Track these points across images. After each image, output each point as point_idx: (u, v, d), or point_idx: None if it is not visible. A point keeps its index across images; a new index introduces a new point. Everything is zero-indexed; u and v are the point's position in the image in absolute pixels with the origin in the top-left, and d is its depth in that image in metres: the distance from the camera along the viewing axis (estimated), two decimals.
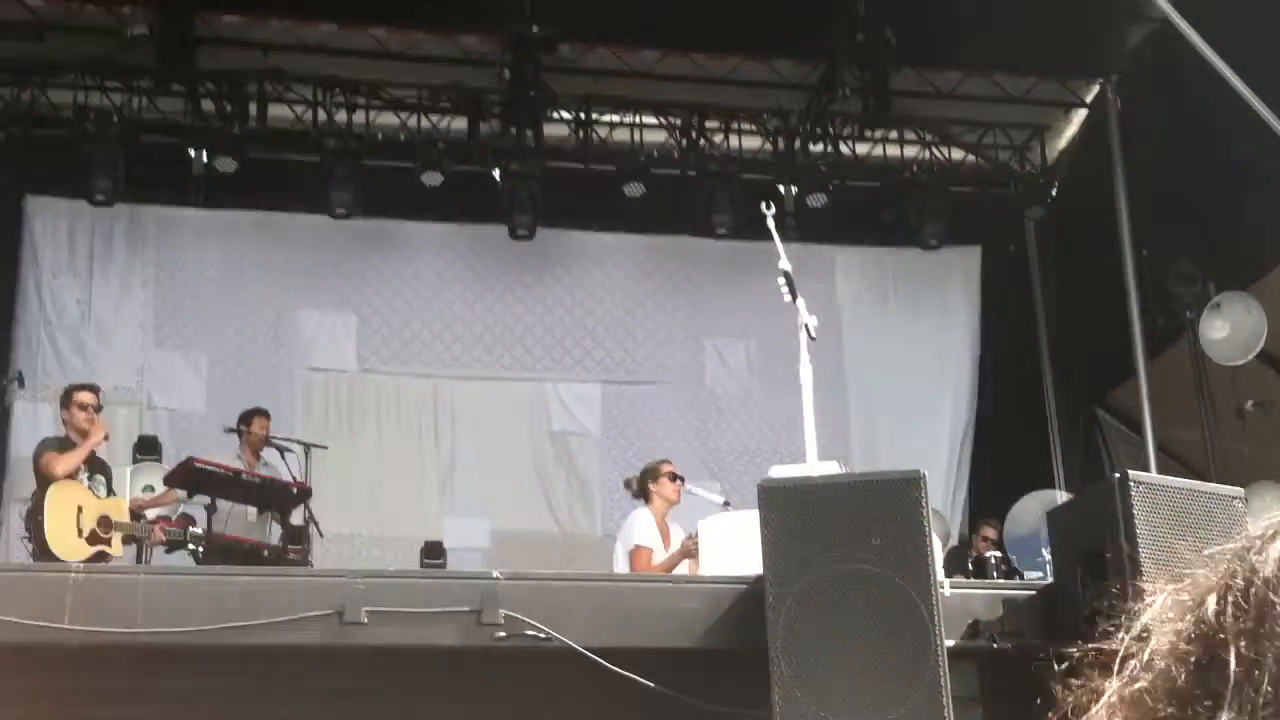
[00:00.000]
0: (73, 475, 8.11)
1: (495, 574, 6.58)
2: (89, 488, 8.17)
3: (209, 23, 11.46)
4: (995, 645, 6.20)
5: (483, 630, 6.25)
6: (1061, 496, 9.54)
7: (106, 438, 8.46)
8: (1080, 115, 12.68)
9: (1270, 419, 8.63)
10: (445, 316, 12.24)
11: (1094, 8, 10.21)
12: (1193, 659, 0.84)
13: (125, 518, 8.22)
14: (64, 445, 8.18)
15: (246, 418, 9.52)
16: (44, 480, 8.02)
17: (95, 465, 8.40)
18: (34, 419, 10.65)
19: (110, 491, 8.34)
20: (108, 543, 8.01)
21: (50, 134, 11.57)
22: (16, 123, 11.36)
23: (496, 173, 12.14)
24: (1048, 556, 6.89)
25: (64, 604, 6.06)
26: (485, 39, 11.67)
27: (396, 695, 6.55)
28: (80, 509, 7.99)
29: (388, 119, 12.27)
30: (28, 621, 5.97)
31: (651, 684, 6.11)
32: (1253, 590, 0.83)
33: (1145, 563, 5.81)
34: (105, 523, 8.04)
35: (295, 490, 9.00)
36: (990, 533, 10.04)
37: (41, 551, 7.64)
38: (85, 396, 8.49)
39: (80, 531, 7.92)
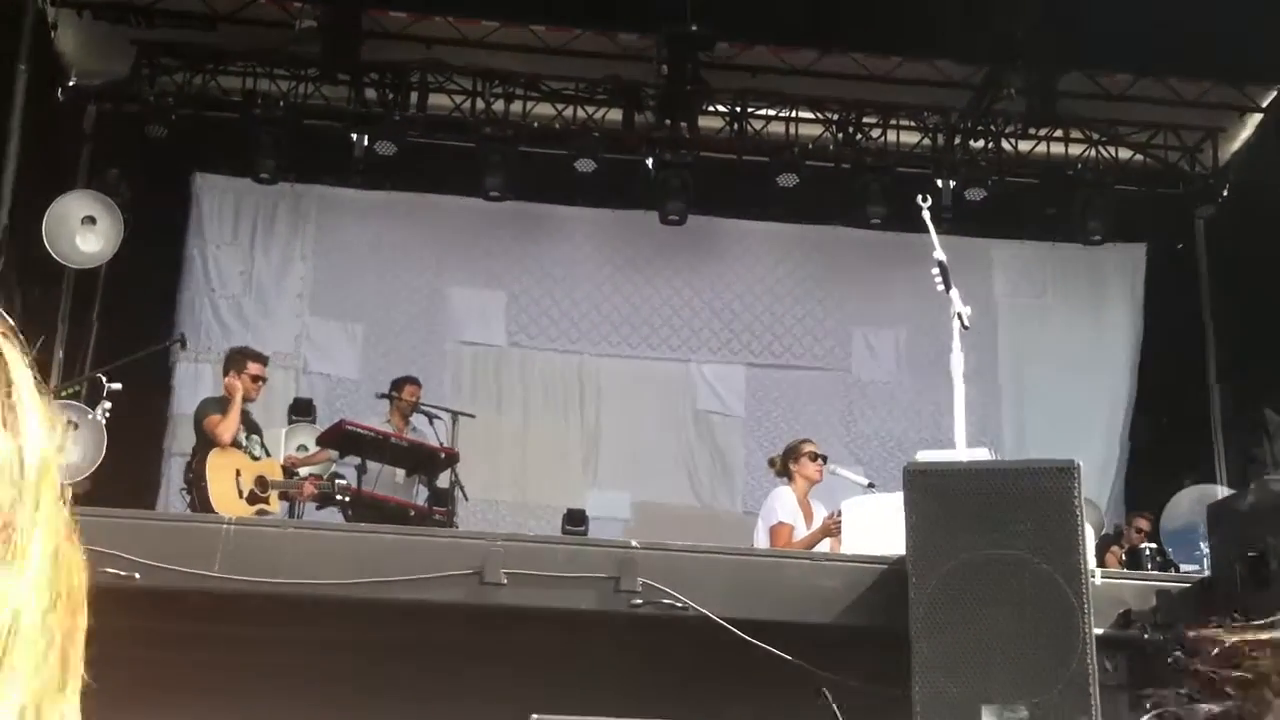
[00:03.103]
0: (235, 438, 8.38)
1: (633, 543, 6.59)
2: (246, 448, 8.39)
3: (375, 18, 11.70)
4: (1146, 636, 6.00)
5: (620, 597, 6.27)
6: (1221, 492, 9.22)
7: (250, 400, 8.64)
8: (1255, 119, 12.27)
9: None
10: (593, 296, 12.34)
11: (1272, 12, 9.87)
12: None
13: (279, 476, 8.43)
14: (224, 407, 8.41)
15: (398, 384, 9.70)
16: (207, 441, 8.26)
17: (251, 426, 8.62)
18: (195, 380, 11.06)
19: (265, 450, 8.56)
20: (266, 500, 8.25)
21: (220, 116, 11.93)
22: (188, 105, 11.73)
23: (650, 161, 12.17)
24: (1205, 550, 6.66)
25: (215, 553, 6.23)
26: (644, 36, 11.71)
27: (532, 656, 6.58)
28: (239, 472, 8.23)
29: (544, 109, 12.38)
30: (180, 568, 6.14)
31: (788, 656, 6.05)
32: None
33: None
34: (262, 482, 8.27)
35: (443, 455, 9.12)
36: (1143, 524, 9.76)
37: (205, 512, 7.88)
38: (257, 368, 8.67)
39: (240, 493, 8.17)
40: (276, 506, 8.31)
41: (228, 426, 8.25)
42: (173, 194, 12.01)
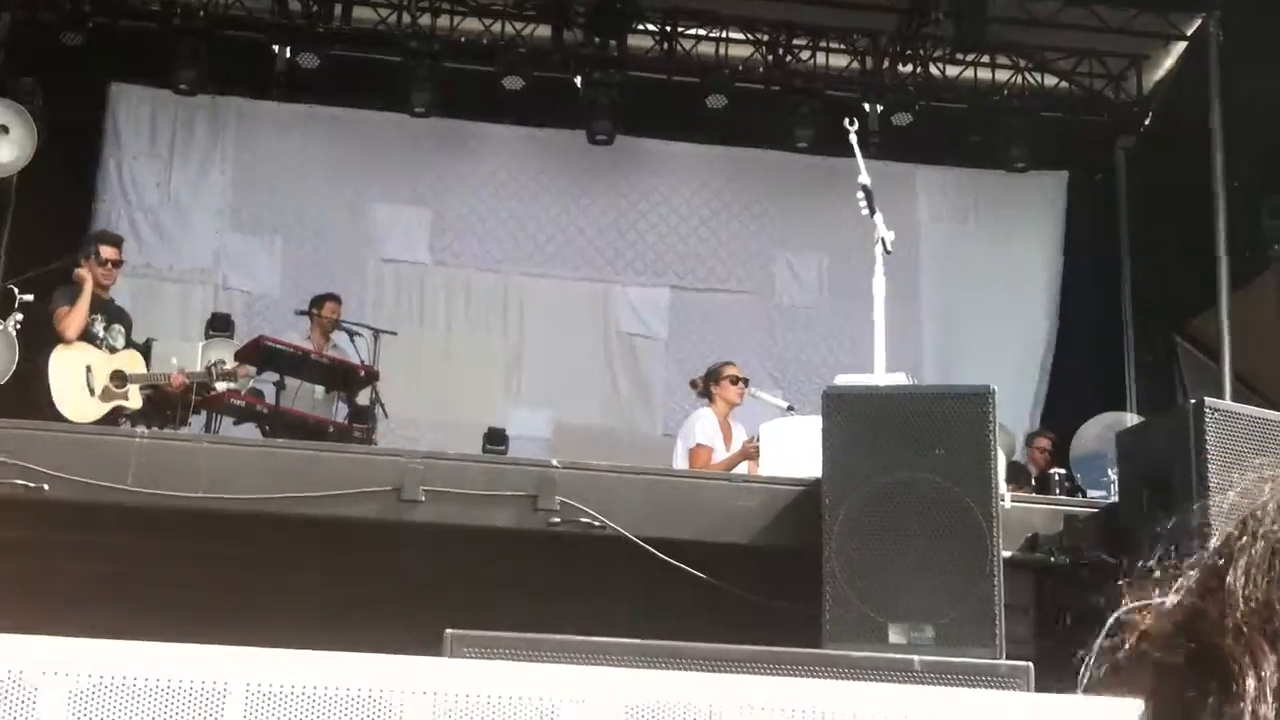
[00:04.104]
0: (85, 331, 7.85)
1: (554, 462, 6.60)
2: (103, 339, 7.93)
3: None
4: (1053, 559, 6.13)
5: (538, 515, 6.29)
6: (1131, 419, 9.41)
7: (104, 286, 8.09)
8: (1179, 47, 12.36)
9: None
10: (519, 215, 12.24)
11: None
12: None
13: (141, 369, 7.96)
14: (76, 298, 7.87)
15: (318, 301, 9.58)
16: (53, 337, 7.81)
17: (114, 314, 8.16)
18: None
19: (130, 343, 8.09)
20: (124, 396, 7.78)
21: (138, 26, 11.66)
22: (105, 14, 11.46)
23: (578, 80, 12.06)
24: (1113, 476, 6.80)
25: (128, 466, 6.16)
26: None
27: (447, 575, 6.60)
28: (89, 368, 7.75)
29: (472, 24, 12.21)
30: (91, 481, 6.07)
31: (702, 575, 6.11)
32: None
33: (1214, 490, 5.70)
34: (119, 377, 7.79)
35: (363, 373, 9.06)
36: (1044, 443, 9.93)
37: (51, 415, 7.39)
38: (110, 251, 8.17)
39: (92, 391, 7.72)
40: (137, 402, 7.85)
41: (73, 320, 7.73)
42: (89, 104, 11.72)
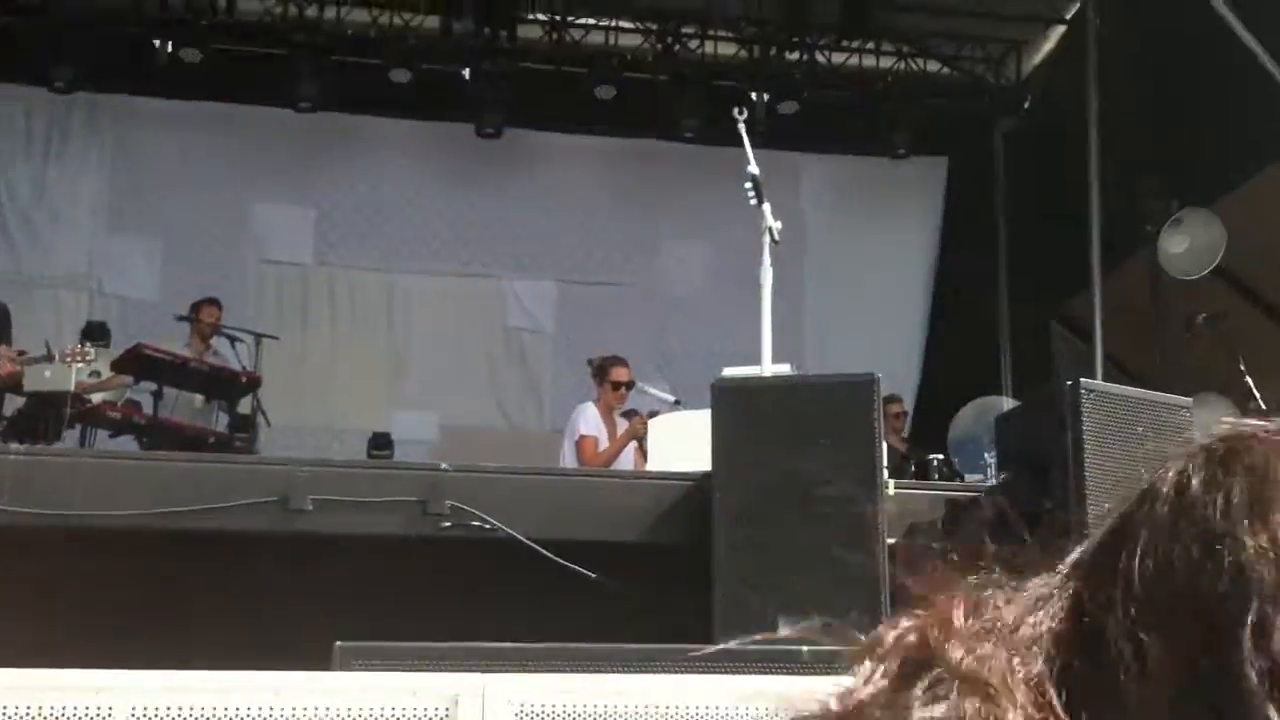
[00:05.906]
0: None
1: (443, 465, 6.57)
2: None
3: None
4: (934, 545, 6.22)
5: (428, 520, 6.25)
6: (1007, 403, 9.55)
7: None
8: (1058, 31, 12.57)
9: (1218, 333, 8.54)
10: (405, 212, 12.12)
11: None
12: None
13: None
14: None
15: (196, 306, 9.44)
16: None
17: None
18: None
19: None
20: None
21: (9, 21, 11.33)
22: None
23: (467, 72, 11.95)
24: (990, 460, 6.91)
25: (3, 484, 6.01)
26: None
27: (339, 585, 6.53)
28: None
29: (358, 15, 12.04)
30: None
31: (594, 575, 6.11)
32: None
33: (1090, 469, 5.82)
34: None
35: (244, 379, 8.93)
36: (896, 408, 10.01)
37: None
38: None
39: None
40: None
41: None
42: None
